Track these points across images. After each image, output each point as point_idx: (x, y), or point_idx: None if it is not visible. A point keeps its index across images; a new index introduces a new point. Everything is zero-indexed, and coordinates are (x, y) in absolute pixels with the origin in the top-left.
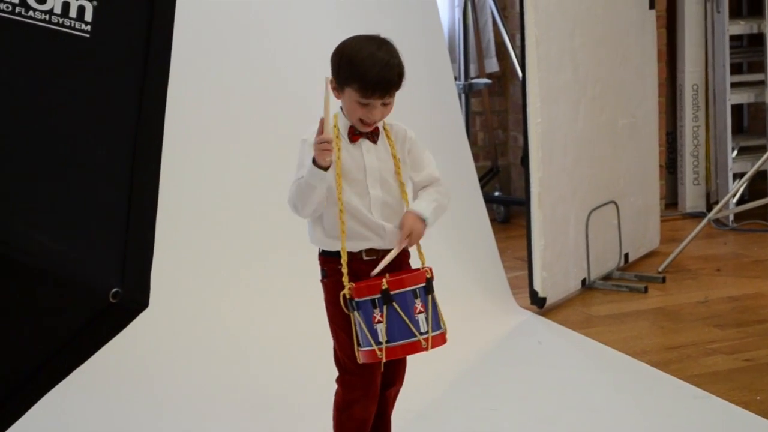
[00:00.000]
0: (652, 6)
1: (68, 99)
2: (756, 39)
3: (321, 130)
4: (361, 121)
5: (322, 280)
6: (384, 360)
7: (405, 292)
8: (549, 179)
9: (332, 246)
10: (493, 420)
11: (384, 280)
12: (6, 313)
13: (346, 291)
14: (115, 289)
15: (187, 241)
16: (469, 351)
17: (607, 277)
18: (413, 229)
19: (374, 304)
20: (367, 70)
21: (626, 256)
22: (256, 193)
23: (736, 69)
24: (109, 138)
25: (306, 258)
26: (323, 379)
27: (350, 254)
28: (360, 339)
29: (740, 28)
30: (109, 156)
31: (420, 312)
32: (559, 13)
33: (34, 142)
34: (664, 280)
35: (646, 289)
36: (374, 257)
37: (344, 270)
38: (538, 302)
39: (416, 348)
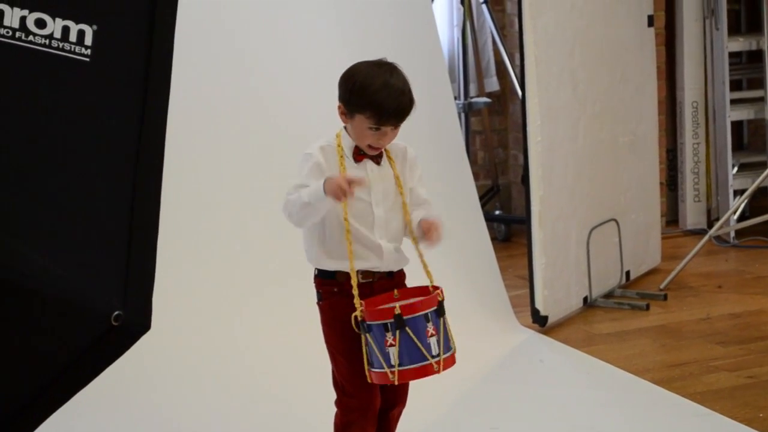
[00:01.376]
0: (650, 24)
1: (69, 123)
2: (755, 55)
3: (354, 183)
4: (370, 146)
5: (318, 303)
6: (396, 383)
7: (418, 316)
8: (549, 197)
9: (331, 266)
10: None
11: (398, 305)
12: (8, 335)
13: (357, 312)
14: (117, 312)
15: (188, 264)
16: (471, 370)
17: (608, 295)
18: (432, 224)
19: (386, 328)
20: (383, 100)
21: (627, 273)
22: (260, 214)
23: (735, 86)
24: (110, 161)
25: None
26: (326, 400)
27: (346, 274)
28: (371, 359)
29: (739, 44)
30: (110, 179)
31: (432, 335)
32: (558, 32)
33: (35, 165)
34: (665, 297)
35: (647, 307)
36: (370, 279)
37: (355, 291)
38: (539, 320)
39: (428, 371)
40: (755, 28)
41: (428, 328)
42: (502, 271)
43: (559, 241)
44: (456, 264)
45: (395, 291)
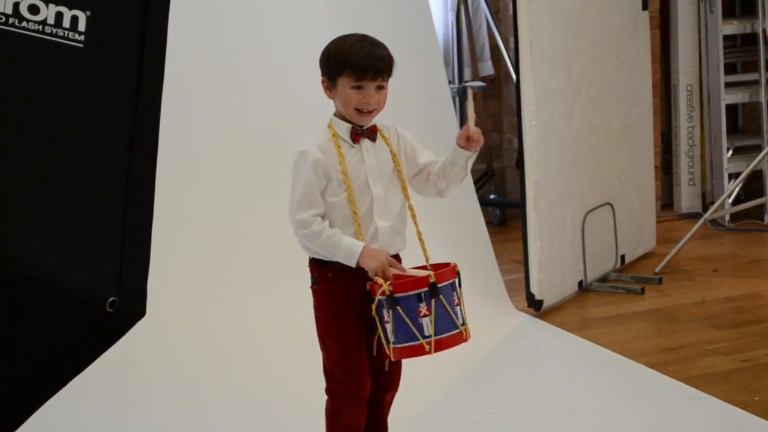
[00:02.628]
0: (645, 7)
1: (63, 109)
2: (749, 38)
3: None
4: (358, 110)
5: (311, 287)
6: (393, 359)
7: (409, 295)
8: (544, 181)
9: (329, 257)
10: (491, 423)
11: (387, 283)
12: (2, 322)
13: (386, 287)
14: (111, 298)
15: (183, 249)
16: (465, 354)
17: (603, 279)
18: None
19: (383, 304)
20: (356, 52)
21: (623, 257)
22: (252, 199)
23: (730, 69)
24: (103, 146)
25: (302, 263)
26: (320, 387)
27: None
28: (397, 334)
29: (734, 27)
30: (103, 165)
31: (425, 315)
32: (553, 16)
33: (28, 152)
34: (660, 281)
35: (642, 291)
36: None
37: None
38: (534, 305)
39: (420, 351)
40: (750, 11)
41: (420, 308)
42: (496, 255)
43: (554, 225)
44: (451, 248)
45: (428, 266)
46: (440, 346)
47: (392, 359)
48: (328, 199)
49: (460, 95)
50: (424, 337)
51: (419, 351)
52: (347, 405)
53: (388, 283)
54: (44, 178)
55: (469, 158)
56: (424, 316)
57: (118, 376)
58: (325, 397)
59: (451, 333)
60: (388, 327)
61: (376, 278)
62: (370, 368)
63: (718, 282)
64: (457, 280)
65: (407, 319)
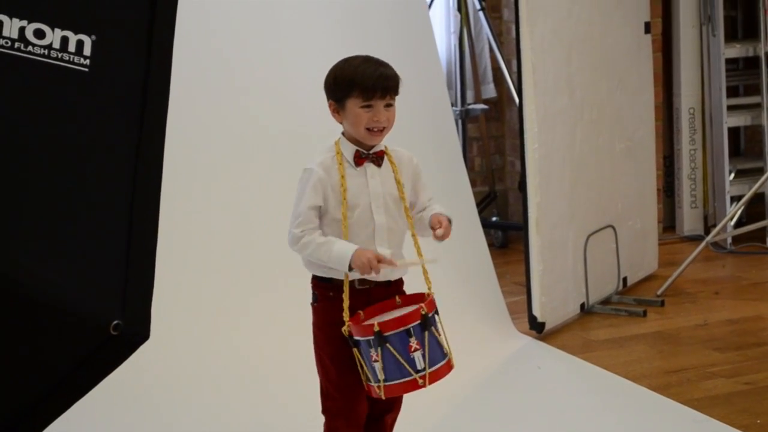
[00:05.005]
0: (647, 30)
1: (68, 132)
2: (752, 62)
3: (383, 262)
4: (369, 130)
5: (312, 304)
6: (383, 398)
7: (399, 332)
8: (547, 204)
9: (328, 273)
10: None
11: (376, 322)
12: (5, 344)
13: (345, 328)
14: (116, 322)
15: (187, 272)
16: (468, 376)
17: (605, 302)
18: (441, 222)
19: (370, 344)
20: (363, 72)
21: (625, 279)
22: (257, 221)
23: (732, 92)
24: (109, 170)
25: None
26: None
27: (341, 280)
28: (365, 374)
29: (736, 51)
30: (109, 188)
31: (416, 350)
32: (555, 39)
33: (34, 176)
34: (662, 303)
35: (645, 313)
36: (366, 286)
37: (345, 305)
38: (537, 327)
39: (413, 386)
40: (752, 34)
41: (411, 343)
42: (499, 277)
43: (556, 247)
44: (453, 270)
45: (397, 298)
46: (434, 377)
47: (383, 398)
48: (327, 217)
49: (463, 117)
50: (417, 371)
51: (412, 386)
52: (341, 424)
53: (375, 323)
54: (49, 201)
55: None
56: (416, 350)
57: (121, 399)
58: (323, 418)
59: (442, 363)
60: (377, 366)
61: (360, 320)
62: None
63: (720, 305)
64: (418, 324)
65: (399, 356)
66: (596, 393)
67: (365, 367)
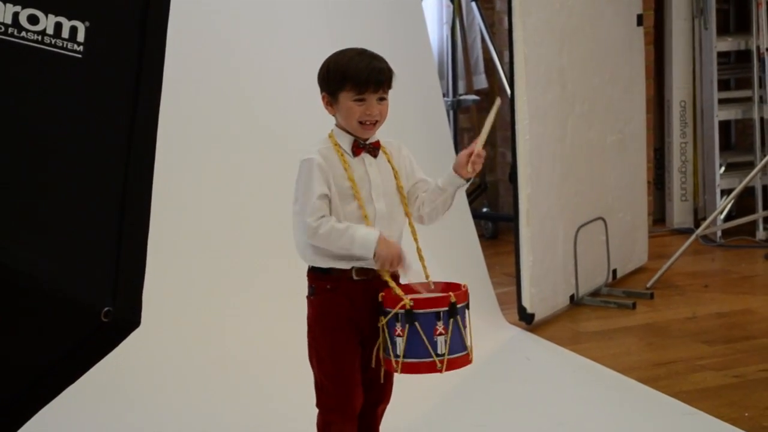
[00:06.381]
0: (639, 23)
1: (61, 118)
2: (743, 55)
3: (404, 265)
4: (361, 123)
5: (308, 297)
6: (399, 372)
7: (428, 313)
8: (537, 195)
9: (325, 263)
10: None
11: (407, 298)
12: None
13: (406, 301)
14: (107, 308)
15: (179, 259)
16: None
17: (595, 293)
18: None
19: (397, 318)
20: (356, 65)
21: (614, 272)
22: (249, 209)
23: (723, 85)
24: (100, 156)
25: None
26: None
27: (340, 271)
28: (384, 345)
29: (728, 44)
30: (101, 175)
31: (440, 334)
32: (548, 31)
33: (26, 161)
34: (652, 296)
35: (634, 305)
36: (364, 278)
37: (391, 282)
38: (526, 318)
39: (432, 368)
40: (744, 28)
41: (437, 326)
42: (489, 268)
43: (546, 239)
44: (443, 261)
45: (431, 283)
46: (451, 365)
47: (398, 373)
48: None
49: (454, 108)
50: (438, 355)
51: (430, 368)
52: (337, 417)
53: (409, 297)
54: (41, 187)
55: (459, 187)
56: (440, 334)
57: (112, 385)
58: (317, 411)
59: (461, 354)
60: (399, 341)
61: (393, 288)
62: (364, 380)
63: (710, 298)
64: (467, 303)
65: (424, 336)
66: (585, 385)
67: (387, 339)
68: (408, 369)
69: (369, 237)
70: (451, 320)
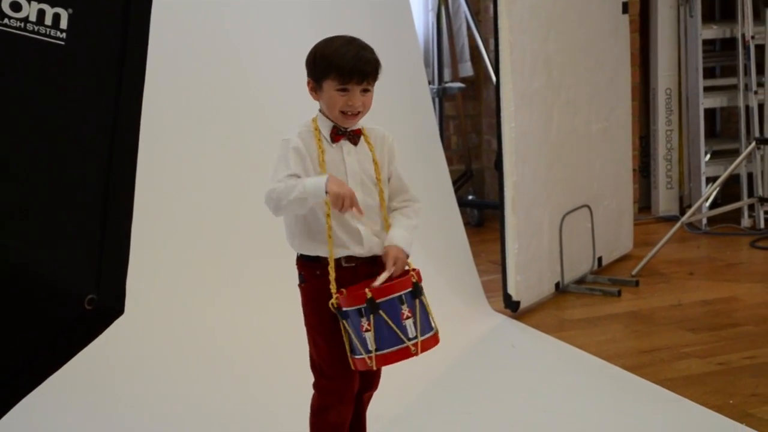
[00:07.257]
0: (625, 10)
1: (43, 106)
2: (729, 43)
3: (355, 206)
4: (343, 113)
5: (299, 285)
6: (374, 368)
7: (391, 299)
8: (523, 183)
9: (313, 251)
10: (468, 423)
11: (367, 289)
12: None
13: (333, 300)
14: (90, 296)
15: (163, 247)
16: (442, 354)
17: (580, 281)
18: (397, 259)
19: (361, 313)
20: (342, 56)
21: (600, 259)
22: (235, 198)
23: (708, 73)
24: (84, 144)
25: (288, 262)
26: (302, 383)
27: (330, 259)
28: (351, 346)
29: (713, 32)
30: (84, 162)
31: (407, 317)
32: (533, 18)
33: (8, 148)
34: (637, 283)
35: (619, 293)
36: (353, 264)
37: (332, 277)
38: (511, 306)
39: (406, 354)
40: (729, 15)
41: (403, 311)
42: (474, 256)
43: (531, 226)
44: (429, 249)
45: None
46: (425, 346)
47: (374, 368)
48: None
49: (440, 96)
50: (410, 339)
51: (405, 354)
52: (334, 401)
53: (367, 290)
54: (23, 174)
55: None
56: (407, 318)
57: (96, 374)
58: (311, 392)
59: (431, 333)
60: (368, 336)
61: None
62: None
63: (695, 285)
64: (409, 292)
65: (392, 323)
66: (570, 372)
67: (354, 340)
68: (382, 361)
69: (319, 178)
70: (417, 301)
